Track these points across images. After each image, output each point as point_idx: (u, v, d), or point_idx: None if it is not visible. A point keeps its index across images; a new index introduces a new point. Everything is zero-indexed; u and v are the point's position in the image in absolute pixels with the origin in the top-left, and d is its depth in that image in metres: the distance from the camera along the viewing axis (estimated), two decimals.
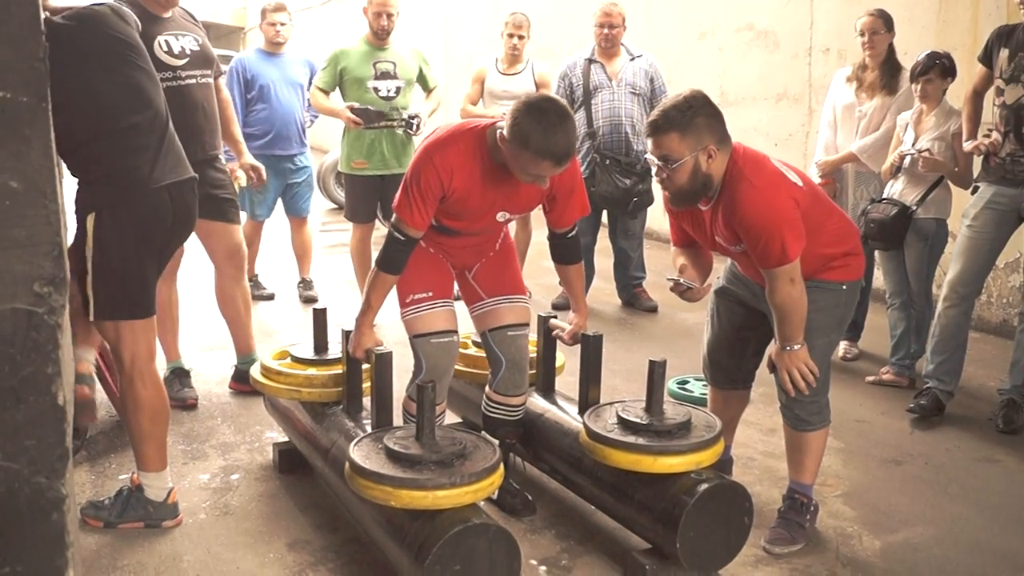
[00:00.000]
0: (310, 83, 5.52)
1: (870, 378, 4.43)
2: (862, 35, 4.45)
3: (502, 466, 2.56)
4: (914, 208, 4.20)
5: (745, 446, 3.69)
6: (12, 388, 1.73)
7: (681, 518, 2.56)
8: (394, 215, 2.85)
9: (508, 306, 3.07)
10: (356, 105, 5.00)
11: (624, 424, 2.76)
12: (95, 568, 2.75)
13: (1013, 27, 3.83)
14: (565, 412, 3.16)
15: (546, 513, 3.13)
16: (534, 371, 3.34)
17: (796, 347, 2.78)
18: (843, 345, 4.75)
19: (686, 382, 4.35)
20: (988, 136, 3.87)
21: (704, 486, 2.62)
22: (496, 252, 3.12)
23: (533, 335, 3.31)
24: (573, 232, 3.10)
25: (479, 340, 3.21)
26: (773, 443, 3.73)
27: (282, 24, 5.53)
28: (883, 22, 4.44)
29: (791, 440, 3.01)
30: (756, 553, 2.88)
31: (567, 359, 3.48)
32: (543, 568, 2.79)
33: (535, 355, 3.35)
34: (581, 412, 3.03)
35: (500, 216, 2.94)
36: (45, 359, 1.74)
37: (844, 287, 2.86)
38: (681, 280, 2.94)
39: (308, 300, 5.73)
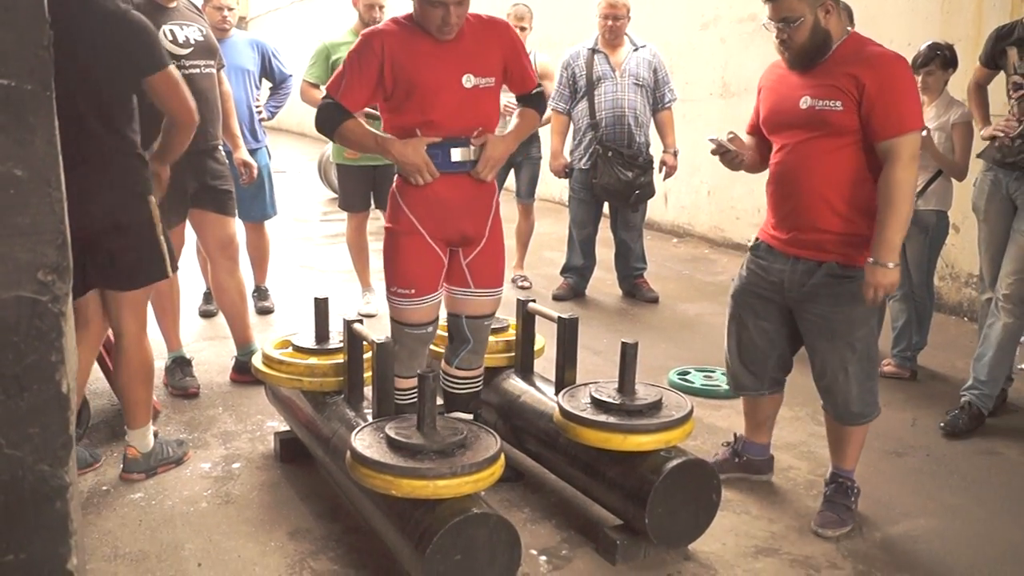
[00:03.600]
0: (262, 67, 5.21)
1: None
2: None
3: (503, 456, 2.57)
4: (915, 200, 4.19)
5: None
6: (16, 376, 1.73)
7: (649, 495, 2.65)
8: (326, 96, 2.90)
9: (488, 299, 3.11)
10: None
11: (596, 404, 2.85)
12: (97, 556, 2.76)
13: (1012, 25, 3.84)
14: (542, 393, 3.24)
15: (546, 503, 3.14)
16: (512, 353, 3.41)
17: (892, 265, 2.70)
18: None
19: (687, 373, 4.36)
20: (1008, 121, 3.81)
21: (672, 464, 2.70)
22: (491, 236, 3.05)
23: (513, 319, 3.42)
24: (539, 89, 3.13)
25: (444, 321, 3.24)
26: (774, 434, 3.71)
27: (229, 9, 5.00)
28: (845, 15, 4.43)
29: (836, 432, 3.02)
30: (756, 544, 2.89)
31: (546, 342, 3.52)
32: (543, 558, 2.80)
33: (515, 339, 3.41)
34: (557, 393, 3.09)
35: (466, 80, 2.86)
36: (49, 347, 1.75)
37: None
38: (720, 139, 2.96)
39: (263, 311, 5.37)
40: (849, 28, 2.84)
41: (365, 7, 4.97)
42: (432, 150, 2.84)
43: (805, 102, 2.77)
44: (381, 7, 4.97)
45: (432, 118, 2.84)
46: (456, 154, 2.89)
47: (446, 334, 3.21)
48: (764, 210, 7.25)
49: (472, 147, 2.90)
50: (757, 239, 3.07)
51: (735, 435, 3.37)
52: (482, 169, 2.91)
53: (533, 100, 3.12)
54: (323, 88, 5.04)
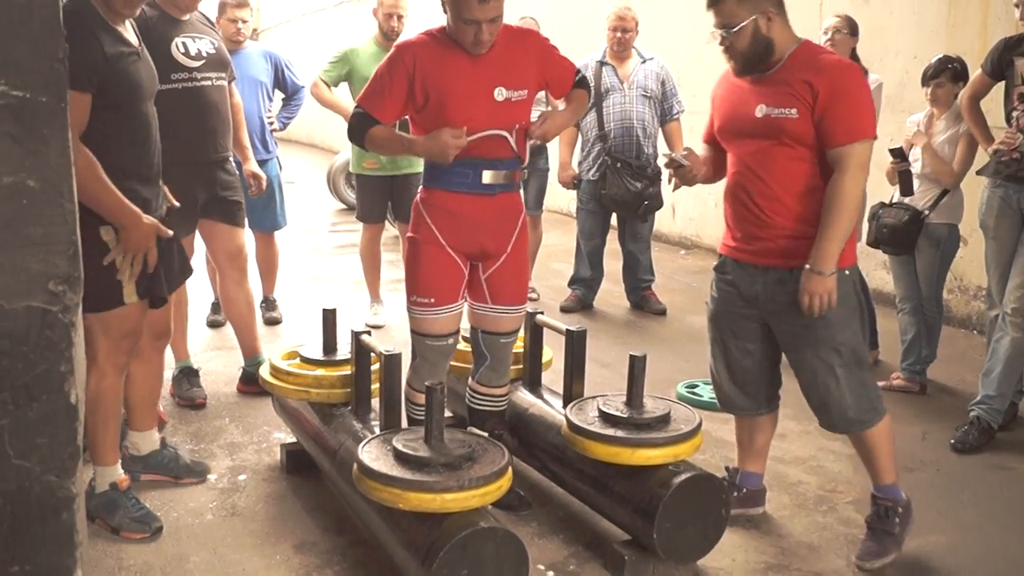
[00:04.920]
0: (275, 78, 5.23)
1: (880, 383, 4.40)
2: (825, 34, 4.45)
3: (510, 470, 2.55)
4: (926, 213, 4.18)
5: None
6: (25, 386, 1.73)
7: (658, 510, 2.62)
8: (357, 106, 2.93)
9: (508, 316, 3.10)
10: None
11: (605, 417, 2.82)
12: (101, 568, 2.75)
13: (1019, 37, 3.82)
14: (550, 406, 3.22)
15: (554, 517, 3.12)
16: (520, 366, 3.39)
17: (828, 273, 2.67)
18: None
19: (695, 386, 4.34)
20: (1011, 135, 3.78)
21: (680, 478, 2.67)
22: (512, 252, 3.04)
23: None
24: (581, 76, 3.13)
25: (467, 335, 3.24)
26: (783, 448, 3.71)
27: (244, 21, 5.01)
28: (848, 25, 4.44)
29: (856, 445, 2.94)
30: (766, 560, 2.87)
31: (554, 355, 3.50)
32: (551, 573, 2.78)
33: (523, 351, 3.39)
34: (565, 406, 3.07)
35: (498, 93, 2.86)
36: (59, 357, 1.75)
37: (847, 272, 2.79)
38: (674, 155, 2.95)
39: (271, 321, 5.39)
40: (801, 37, 2.82)
41: (384, 16, 5.00)
42: (462, 170, 2.87)
43: (760, 110, 2.76)
44: (400, 16, 5.00)
45: (460, 122, 2.83)
46: (487, 176, 2.91)
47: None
48: None
49: (502, 171, 2.93)
50: (720, 256, 3.01)
51: (727, 468, 3.24)
52: (537, 129, 2.94)
53: (579, 84, 3.13)
54: (333, 90, 5.12)
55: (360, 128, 2.93)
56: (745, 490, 3.13)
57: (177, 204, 3.14)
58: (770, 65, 2.76)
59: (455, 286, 2.99)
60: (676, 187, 5.80)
